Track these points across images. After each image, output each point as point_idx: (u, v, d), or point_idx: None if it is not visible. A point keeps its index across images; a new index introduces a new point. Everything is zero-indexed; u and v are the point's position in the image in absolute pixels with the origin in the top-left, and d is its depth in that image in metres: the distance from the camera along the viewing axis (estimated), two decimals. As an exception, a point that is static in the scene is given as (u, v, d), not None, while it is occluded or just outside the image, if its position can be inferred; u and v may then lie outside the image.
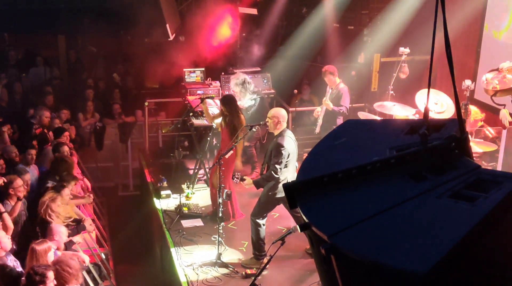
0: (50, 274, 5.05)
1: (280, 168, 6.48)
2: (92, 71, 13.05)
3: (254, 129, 7.35)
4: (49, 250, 5.59)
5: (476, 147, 7.25)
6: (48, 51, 13.47)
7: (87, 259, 6.53)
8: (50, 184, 7.47)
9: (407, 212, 1.69)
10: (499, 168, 7.45)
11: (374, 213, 1.71)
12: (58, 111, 10.51)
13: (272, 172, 6.49)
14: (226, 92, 9.53)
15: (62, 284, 5.29)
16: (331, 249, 1.67)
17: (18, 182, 6.91)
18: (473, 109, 7.95)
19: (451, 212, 1.64)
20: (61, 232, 6.06)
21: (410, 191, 1.76)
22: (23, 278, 5.19)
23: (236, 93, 8.91)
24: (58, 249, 6.02)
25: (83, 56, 13.63)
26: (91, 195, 8.47)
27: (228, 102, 7.77)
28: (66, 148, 8.47)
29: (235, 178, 6.78)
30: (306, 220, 1.83)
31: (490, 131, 8.11)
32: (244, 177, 6.86)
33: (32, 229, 6.80)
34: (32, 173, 8.01)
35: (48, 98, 10.99)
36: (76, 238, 6.68)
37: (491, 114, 8.30)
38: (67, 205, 6.83)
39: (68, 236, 6.45)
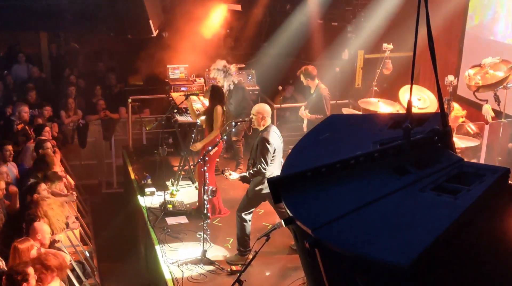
0: (31, 271, 4.99)
1: (267, 163, 6.48)
2: (75, 68, 12.94)
3: (233, 124, 7.34)
4: (32, 248, 5.53)
5: (459, 142, 7.30)
6: (31, 48, 13.34)
7: (68, 258, 6.45)
8: (32, 182, 7.38)
9: (391, 205, 1.70)
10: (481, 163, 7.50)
11: (357, 206, 1.71)
12: (41, 108, 10.41)
13: (260, 167, 6.49)
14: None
15: (43, 280, 5.22)
16: (315, 242, 1.68)
17: None
18: (455, 106, 8.01)
19: (434, 205, 1.65)
20: (43, 230, 5.99)
21: (393, 184, 1.77)
22: (4, 278, 5.11)
23: (218, 81, 8.95)
24: (43, 246, 5.96)
25: (65, 53, 13.51)
26: (74, 193, 8.39)
27: (214, 91, 7.82)
28: (49, 145, 8.39)
29: (226, 172, 6.75)
30: (290, 214, 1.84)
31: (471, 128, 8.17)
32: (231, 172, 6.84)
33: (15, 227, 6.71)
34: (10, 171, 7.88)
35: (31, 95, 10.89)
36: (59, 236, 6.61)
37: (474, 109, 8.36)
38: (61, 206, 6.73)
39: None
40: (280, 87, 11.15)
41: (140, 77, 13.10)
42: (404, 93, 8.01)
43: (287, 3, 12.89)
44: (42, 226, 6.02)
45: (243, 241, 6.83)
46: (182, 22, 11.31)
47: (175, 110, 8.90)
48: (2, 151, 8.01)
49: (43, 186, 7.03)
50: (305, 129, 8.59)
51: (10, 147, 8.08)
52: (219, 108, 7.71)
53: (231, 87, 9.12)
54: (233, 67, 9.17)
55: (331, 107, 8.61)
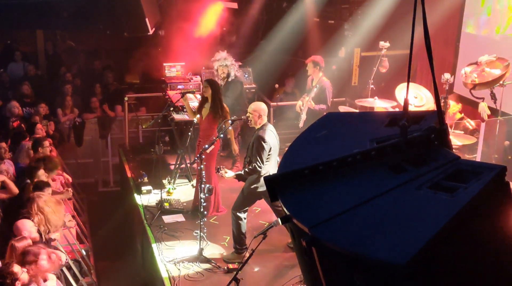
0: (16, 269, 4.95)
1: (263, 162, 6.48)
2: (71, 66, 12.92)
3: (230, 122, 7.33)
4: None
5: (456, 140, 7.31)
6: (27, 46, 13.31)
7: (64, 257, 6.43)
8: (28, 181, 7.36)
9: (387, 204, 1.69)
10: (478, 160, 7.52)
11: (354, 204, 1.71)
12: (37, 106, 10.39)
13: (255, 165, 6.48)
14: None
15: (35, 275, 5.19)
16: (312, 241, 1.67)
17: None
18: (450, 102, 8.03)
19: (431, 203, 1.65)
20: (27, 226, 5.94)
21: (390, 182, 1.77)
22: None
23: (217, 72, 8.97)
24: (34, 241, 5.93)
25: (61, 51, 13.48)
26: (70, 189, 8.37)
27: (213, 85, 7.79)
28: (47, 143, 8.39)
29: (221, 170, 6.74)
30: (287, 213, 1.83)
31: (470, 123, 8.19)
32: (227, 170, 6.84)
33: (9, 226, 6.69)
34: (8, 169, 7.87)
35: (25, 88, 10.88)
36: (55, 235, 6.59)
37: (470, 107, 8.38)
38: (58, 204, 6.70)
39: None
40: (277, 85, 11.13)
41: (136, 75, 13.08)
42: (400, 91, 8.02)
43: (283, 1, 12.87)
44: (24, 224, 5.95)
45: (239, 239, 6.82)
46: (179, 20, 11.30)
47: (172, 108, 8.88)
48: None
49: (41, 171, 7.06)
50: (301, 125, 8.59)
51: (4, 144, 8.06)
52: (224, 104, 7.77)
53: (230, 79, 9.14)
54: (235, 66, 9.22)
55: (327, 105, 8.61)
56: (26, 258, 5.16)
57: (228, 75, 9.14)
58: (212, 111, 7.70)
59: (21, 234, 5.82)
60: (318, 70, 8.49)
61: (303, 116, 8.61)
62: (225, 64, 9.07)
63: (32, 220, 6.11)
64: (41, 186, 6.89)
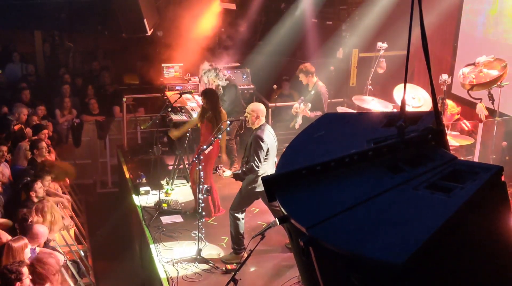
0: (25, 270, 4.98)
1: (260, 161, 6.48)
2: (69, 66, 12.92)
3: (228, 123, 7.34)
4: (26, 247, 5.50)
5: (453, 140, 7.32)
6: (25, 47, 13.31)
7: (62, 258, 6.43)
8: (28, 179, 7.35)
9: (385, 204, 1.70)
10: (475, 161, 7.53)
11: (352, 204, 1.71)
12: (35, 108, 10.38)
13: (253, 165, 6.49)
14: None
15: (41, 282, 5.21)
16: (310, 241, 1.67)
17: None
18: (449, 103, 8.04)
19: (428, 203, 1.65)
20: (42, 232, 5.96)
21: (387, 182, 1.77)
22: None
23: (209, 83, 8.96)
24: (39, 246, 5.96)
25: (59, 52, 13.49)
26: (69, 197, 8.39)
27: (210, 96, 7.76)
28: (43, 145, 8.37)
29: (219, 170, 6.75)
30: (285, 213, 1.84)
31: (466, 124, 8.20)
32: (225, 169, 6.84)
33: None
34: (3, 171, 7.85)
35: (25, 94, 10.86)
36: (53, 235, 6.59)
37: (468, 108, 8.39)
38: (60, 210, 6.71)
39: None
40: (275, 86, 11.12)
41: (135, 76, 13.09)
42: (398, 92, 8.02)
43: (281, 2, 12.89)
44: (40, 228, 5.97)
45: (237, 239, 6.83)
46: (177, 21, 11.30)
47: (170, 109, 8.89)
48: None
49: (39, 184, 7.02)
50: (297, 127, 8.59)
51: (4, 148, 8.05)
52: (223, 110, 7.74)
53: (223, 85, 9.13)
54: (221, 73, 9.19)
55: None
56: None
57: (218, 84, 9.11)
58: (210, 121, 7.72)
59: (37, 239, 5.84)
60: (311, 77, 8.43)
61: (299, 120, 8.59)
62: (211, 74, 9.04)
63: (31, 221, 6.12)
64: (42, 174, 6.91)
